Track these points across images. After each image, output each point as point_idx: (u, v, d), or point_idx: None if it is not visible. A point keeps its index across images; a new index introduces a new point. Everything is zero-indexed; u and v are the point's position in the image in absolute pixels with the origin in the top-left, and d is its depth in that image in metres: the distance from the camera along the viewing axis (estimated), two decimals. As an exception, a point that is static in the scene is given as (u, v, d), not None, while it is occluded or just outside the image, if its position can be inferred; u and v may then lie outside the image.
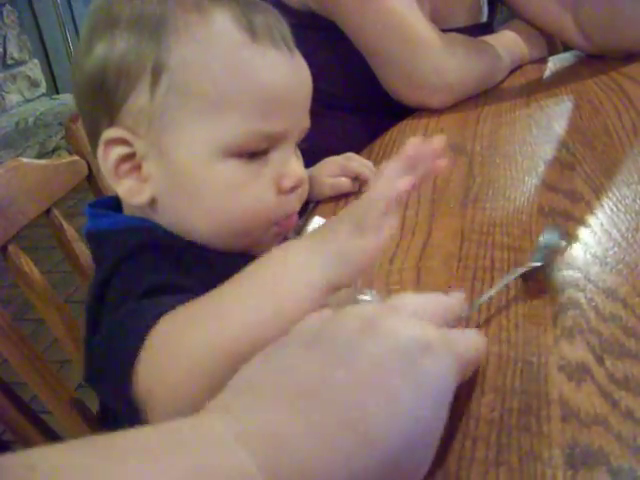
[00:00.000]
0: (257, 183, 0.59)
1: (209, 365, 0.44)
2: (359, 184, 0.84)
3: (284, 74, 0.59)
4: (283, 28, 0.61)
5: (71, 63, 0.63)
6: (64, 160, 0.91)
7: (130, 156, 0.58)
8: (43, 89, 4.56)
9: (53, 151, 3.82)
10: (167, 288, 0.52)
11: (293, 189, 0.61)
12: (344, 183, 0.83)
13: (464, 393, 0.47)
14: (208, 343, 0.45)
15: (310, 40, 1.23)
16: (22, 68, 4.40)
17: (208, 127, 0.56)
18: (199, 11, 0.56)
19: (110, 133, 0.57)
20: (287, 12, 1.21)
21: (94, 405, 0.80)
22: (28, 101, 4.38)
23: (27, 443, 0.78)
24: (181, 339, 0.46)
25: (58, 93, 4.75)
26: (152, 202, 0.59)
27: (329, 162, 0.86)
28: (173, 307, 0.47)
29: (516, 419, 0.44)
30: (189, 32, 0.56)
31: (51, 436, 0.80)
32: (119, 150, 0.58)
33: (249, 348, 0.42)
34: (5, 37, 4.26)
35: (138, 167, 0.58)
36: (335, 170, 0.84)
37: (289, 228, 0.65)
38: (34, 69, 4.51)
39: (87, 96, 0.60)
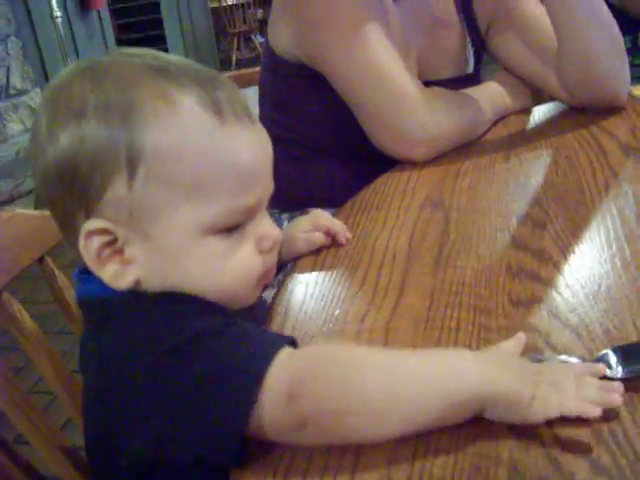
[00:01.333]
0: (240, 250, 0.62)
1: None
2: (331, 238, 0.88)
3: (253, 149, 0.62)
4: (243, 101, 0.63)
5: (30, 150, 0.62)
6: (57, 210, 0.94)
7: (111, 242, 0.59)
8: (44, 119, 4.61)
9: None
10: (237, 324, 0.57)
11: (272, 248, 0.65)
12: (318, 237, 0.87)
13: (420, 451, 0.51)
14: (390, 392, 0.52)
15: (299, 89, 1.29)
16: (24, 98, 4.46)
17: (189, 212, 0.58)
18: (165, 98, 0.57)
19: (91, 225, 0.58)
20: (278, 62, 1.28)
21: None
22: (29, 131, 4.42)
23: None
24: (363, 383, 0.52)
25: (59, 123, 4.80)
26: (135, 284, 0.60)
27: (300, 220, 0.90)
28: (284, 341, 0.55)
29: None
30: (159, 122, 0.57)
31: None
32: (100, 239, 0.59)
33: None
34: (8, 67, 4.33)
35: (120, 251, 0.60)
36: (307, 226, 0.88)
37: (270, 278, 0.68)
38: (35, 98, 4.57)
39: (56, 185, 0.60)
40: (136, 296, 0.60)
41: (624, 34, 1.26)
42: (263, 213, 0.65)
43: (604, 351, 0.59)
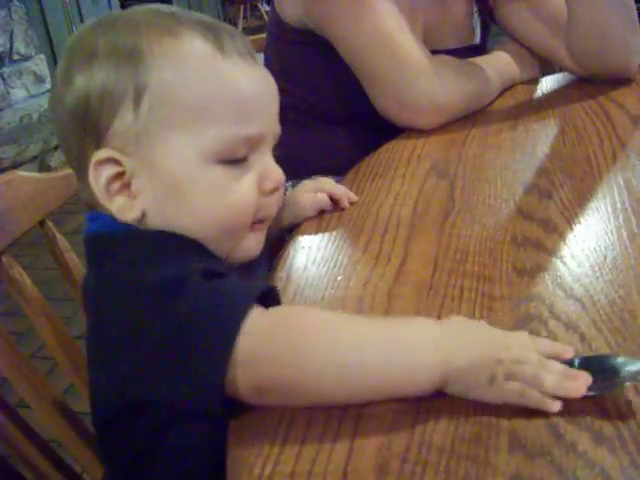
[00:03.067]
0: (240, 185, 0.64)
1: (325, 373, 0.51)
2: (335, 203, 0.88)
3: (254, 81, 0.65)
4: (246, 42, 0.66)
5: (49, 103, 0.67)
6: (59, 173, 0.94)
7: (119, 175, 0.62)
8: (48, 85, 4.58)
9: (56, 148, 3.84)
10: (218, 274, 0.56)
11: (274, 190, 0.67)
12: (321, 198, 0.87)
13: (420, 419, 0.50)
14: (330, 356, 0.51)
15: (306, 56, 1.28)
16: (28, 63, 4.42)
17: (192, 137, 0.61)
18: (170, 34, 0.61)
19: (100, 154, 0.61)
20: (285, 29, 1.27)
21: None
22: (33, 97, 4.41)
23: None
24: (312, 344, 0.52)
25: (63, 89, 4.78)
26: (142, 217, 0.63)
27: (303, 184, 0.90)
28: (258, 291, 0.54)
29: (466, 448, 0.47)
30: (164, 53, 0.60)
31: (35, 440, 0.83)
32: (109, 170, 0.61)
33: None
34: (12, 32, 4.29)
35: (128, 185, 0.62)
36: (311, 189, 0.89)
37: (264, 228, 0.69)
38: (40, 65, 4.54)
39: (71, 126, 0.63)
40: (133, 233, 0.63)
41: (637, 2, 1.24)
42: (269, 154, 0.67)
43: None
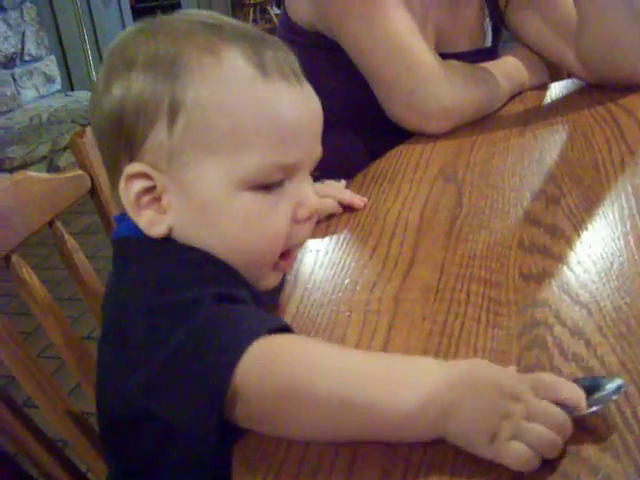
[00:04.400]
0: (274, 213, 0.61)
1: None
2: (342, 207, 0.88)
3: (296, 106, 0.61)
4: (291, 61, 0.63)
5: (90, 103, 0.66)
6: (69, 174, 0.94)
7: (150, 189, 0.61)
8: (58, 85, 4.61)
9: (65, 148, 3.86)
10: (232, 299, 0.56)
11: (308, 218, 0.64)
12: (329, 203, 0.87)
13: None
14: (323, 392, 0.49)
15: (315, 59, 1.28)
16: (38, 64, 4.45)
17: (225, 162, 0.59)
18: (211, 51, 0.59)
19: (132, 168, 0.60)
20: (294, 31, 1.27)
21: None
22: (43, 97, 4.43)
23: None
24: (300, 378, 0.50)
25: (73, 90, 4.80)
26: (169, 232, 0.61)
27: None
28: (267, 325, 0.52)
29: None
30: (203, 72, 0.58)
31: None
32: (140, 184, 0.60)
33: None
34: (24, 33, 4.31)
35: (158, 199, 0.61)
36: (317, 195, 0.87)
37: (290, 264, 0.68)
38: (50, 65, 4.56)
39: (107, 134, 0.62)
40: (159, 242, 0.61)
41: None
42: (306, 180, 0.64)
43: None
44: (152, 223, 0.61)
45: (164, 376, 0.53)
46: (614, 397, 0.49)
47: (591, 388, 0.50)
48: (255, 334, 0.51)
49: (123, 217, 0.65)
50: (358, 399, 0.48)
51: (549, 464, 0.46)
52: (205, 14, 0.64)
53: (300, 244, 0.67)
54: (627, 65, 1.25)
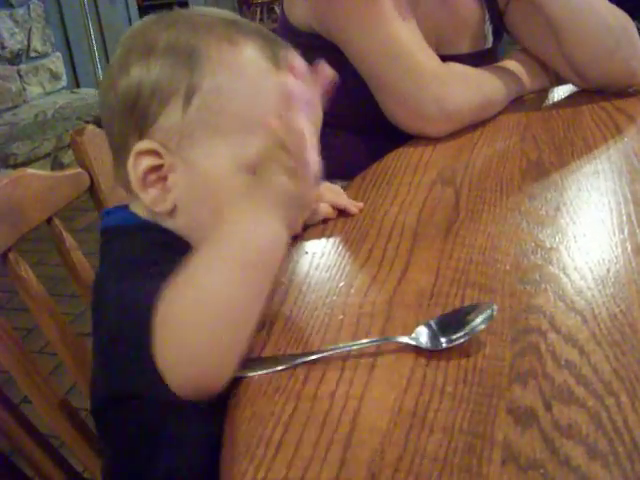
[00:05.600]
0: None
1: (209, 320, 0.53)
2: (337, 211, 0.88)
3: None
4: (300, 60, 0.67)
5: (101, 85, 0.70)
6: (68, 172, 0.94)
7: (157, 168, 0.64)
8: (64, 82, 4.62)
9: (69, 146, 3.85)
10: None
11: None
12: (324, 208, 0.87)
13: (414, 430, 0.50)
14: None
15: (314, 60, 1.27)
16: (44, 61, 4.46)
17: (233, 145, 0.63)
18: (230, 41, 0.64)
19: (142, 145, 0.64)
20: (294, 33, 1.26)
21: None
22: (48, 94, 4.44)
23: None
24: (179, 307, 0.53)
25: (79, 87, 4.81)
26: (172, 211, 0.65)
27: None
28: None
29: (459, 459, 0.47)
30: (221, 58, 0.63)
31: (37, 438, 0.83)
32: (148, 161, 0.64)
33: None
34: (30, 30, 4.32)
35: (164, 178, 0.64)
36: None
37: None
38: (56, 62, 4.57)
39: (119, 113, 0.66)
40: (139, 229, 0.66)
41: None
42: None
43: (421, 326, 0.60)
44: (157, 200, 0.64)
45: (127, 362, 0.57)
46: (482, 326, 0.59)
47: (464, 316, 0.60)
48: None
49: (110, 210, 0.70)
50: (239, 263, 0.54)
51: (537, 470, 0.46)
52: (221, 11, 0.69)
53: (294, 231, 0.72)
54: (615, 65, 1.26)
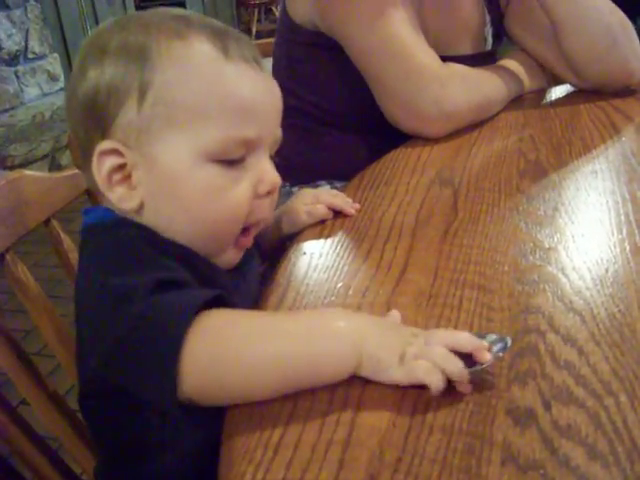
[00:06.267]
0: (236, 187, 0.66)
1: (257, 373, 0.53)
2: (333, 212, 0.88)
3: (255, 85, 0.67)
4: (253, 49, 0.69)
5: (65, 93, 0.71)
6: (65, 173, 0.94)
7: (121, 167, 0.64)
8: (62, 84, 4.61)
9: (67, 147, 3.85)
10: (172, 283, 0.57)
11: (269, 193, 0.68)
12: (320, 209, 0.87)
13: (413, 431, 0.50)
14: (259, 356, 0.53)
15: (316, 59, 1.27)
16: (42, 62, 4.45)
17: (190, 136, 0.63)
18: (179, 36, 0.64)
19: (103, 145, 0.64)
20: (295, 30, 1.27)
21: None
22: (46, 95, 4.43)
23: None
24: (238, 345, 0.54)
25: (76, 88, 4.80)
26: (139, 207, 0.65)
27: (303, 193, 0.91)
28: (201, 301, 0.54)
29: (459, 460, 0.47)
30: (170, 53, 0.63)
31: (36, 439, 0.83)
32: (111, 161, 0.64)
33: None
34: (27, 31, 4.31)
35: (128, 176, 0.65)
36: (310, 199, 0.89)
37: (249, 242, 0.72)
38: (54, 63, 4.56)
39: (81, 117, 0.66)
40: (116, 225, 0.66)
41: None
42: (266, 157, 0.69)
43: None
44: (123, 198, 0.65)
45: (116, 359, 0.56)
46: (500, 354, 0.55)
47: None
48: (191, 313, 0.53)
49: (89, 209, 0.70)
50: (289, 354, 0.53)
51: (537, 470, 0.45)
52: (176, 10, 0.69)
53: (261, 221, 0.71)
54: (614, 65, 1.26)
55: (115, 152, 0.64)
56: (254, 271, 0.78)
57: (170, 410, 0.55)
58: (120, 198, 0.65)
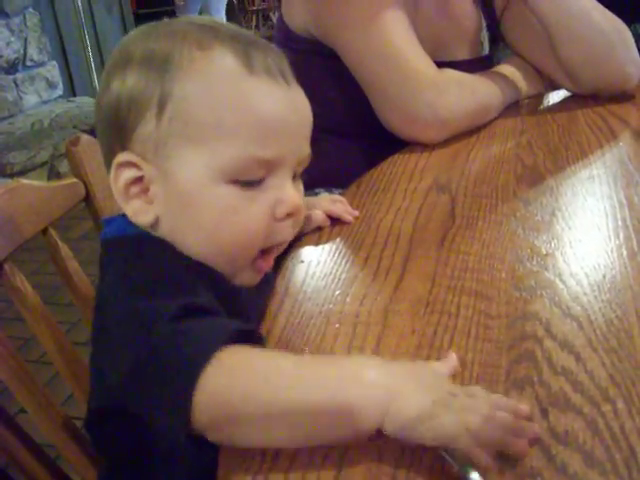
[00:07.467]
0: (253, 208, 0.62)
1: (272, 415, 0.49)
2: (330, 219, 0.88)
3: (279, 103, 0.62)
4: (281, 62, 0.65)
5: (95, 99, 0.69)
6: (63, 182, 0.94)
7: (139, 179, 0.63)
8: (60, 91, 4.62)
9: (65, 154, 3.85)
10: (198, 309, 0.55)
11: (288, 216, 0.64)
12: (318, 215, 0.87)
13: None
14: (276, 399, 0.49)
15: (312, 66, 1.27)
16: (41, 70, 4.46)
17: (206, 153, 0.60)
18: (202, 48, 0.61)
19: (121, 157, 0.63)
20: (291, 37, 1.27)
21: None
22: (45, 103, 4.44)
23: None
24: (255, 384, 0.50)
25: (75, 95, 4.81)
26: (155, 222, 0.63)
27: None
28: (224, 335, 0.51)
29: (456, 468, 0.47)
30: (192, 67, 0.61)
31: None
32: (129, 173, 0.63)
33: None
34: (26, 39, 4.32)
35: (146, 190, 0.63)
36: (308, 206, 0.87)
37: (270, 265, 0.68)
38: (52, 71, 4.58)
39: (105, 128, 0.65)
40: (140, 239, 0.64)
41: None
42: (288, 177, 0.65)
43: None
44: (139, 212, 0.63)
45: (134, 383, 0.53)
46: None
47: None
48: (213, 347, 0.50)
49: (110, 219, 0.68)
50: (317, 402, 0.48)
51: (534, 478, 0.45)
52: (206, 18, 0.67)
53: (281, 244, 0.68)
54: (609, 70, 1.27)
55: (133, 165, 0.62)
56: (271, 287, 0.75)
57: (180, 441, 0.54)
58: (136, 211, 0.63)
